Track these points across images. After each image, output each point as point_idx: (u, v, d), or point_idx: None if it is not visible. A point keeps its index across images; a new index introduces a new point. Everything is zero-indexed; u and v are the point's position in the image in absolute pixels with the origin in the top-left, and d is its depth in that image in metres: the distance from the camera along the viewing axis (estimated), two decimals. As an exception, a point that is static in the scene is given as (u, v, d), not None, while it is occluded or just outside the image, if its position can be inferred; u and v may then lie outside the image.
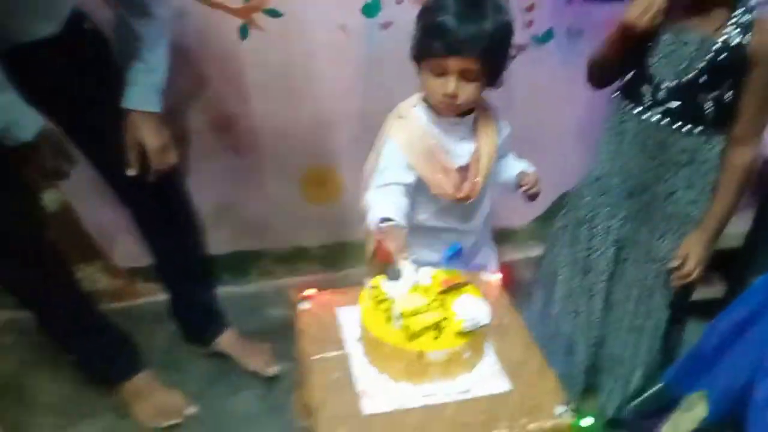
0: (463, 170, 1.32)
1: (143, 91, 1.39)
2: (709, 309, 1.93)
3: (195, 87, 1.78)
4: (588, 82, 1.50)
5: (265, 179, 1.99)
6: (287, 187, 2.02)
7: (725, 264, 1.95)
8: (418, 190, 1.31)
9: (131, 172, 1.42)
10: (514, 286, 1.30)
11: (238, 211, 2.03)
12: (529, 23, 1.92)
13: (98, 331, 1.63)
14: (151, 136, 1.40)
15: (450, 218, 1.37)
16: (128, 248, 1.96)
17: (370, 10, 1.76)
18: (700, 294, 2.02)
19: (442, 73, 1.21)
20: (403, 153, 1.28)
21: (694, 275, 1.39)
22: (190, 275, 1.79)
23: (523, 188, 1.36)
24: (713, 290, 2.00)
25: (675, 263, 1.41)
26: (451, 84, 1.20)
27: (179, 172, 1.63)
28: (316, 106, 1.88)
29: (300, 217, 2.09)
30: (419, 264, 1.11)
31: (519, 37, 1.94)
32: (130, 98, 1.38)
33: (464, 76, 1.20)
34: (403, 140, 1.29)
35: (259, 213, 2.05)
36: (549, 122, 2.08)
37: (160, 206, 1.61)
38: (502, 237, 2.33)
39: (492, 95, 1.79)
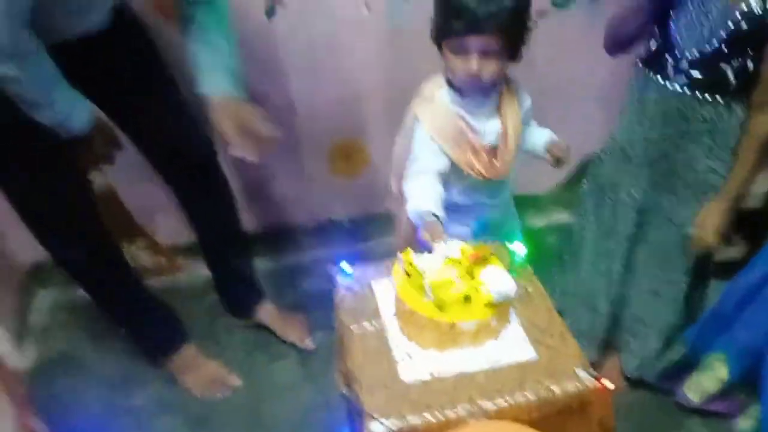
0: (492, 147, 1.35)
1: (215, 76, 1.40)
2: (730, 269, 1.96)
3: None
4: (605, 48, 1.48)
5: (293, 155, 2.04)
6: (315, 161, 2.07)
7: (746, 224, 1.98)
8: (449, 170, 1.35)
9: (234, 152, 1.40)
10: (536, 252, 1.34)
11: (269, 187, 2.09)
12: (551, -12, 1.92)
13: (146, 306, 1.72)
14: (227, 119, 1.39)
15: (479, 194, 1.41)
16: (168, 226, 2.05)
17: (394, -15, 1.78)
18: (721, 254, 2.06)
19: (463, 53, 1.23)
20: (434, 138, 1.31)
21: (712, 241, 1.41)
22: (231, 248, 1.86)
23: (556, 154, 1.38)
24: (734, 250, 2.01)
25: (694, 230, 1.43)
26: (473, 63, 1.21)
27: (217, 149, 1.70)
28: (342, 81, 1.92)
29: (329, 190, 2.15)
30: (449, 237, 1.16)
31: (539, 2, 1.95)
32: (204, 83, 1.40)
33: (485, 53, 1.21)
34: (432, 126, 1.32)
35: (290, 188, 2.11)
36: (571, 87, 2.08)
37: (202, 183, 1.69)
38: (526, 203, 2.35)
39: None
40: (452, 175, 1.36)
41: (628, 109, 1.49)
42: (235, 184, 1.86)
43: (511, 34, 1.22)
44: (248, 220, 2.04)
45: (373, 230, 2.21)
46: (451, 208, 1.37)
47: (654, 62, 1.39)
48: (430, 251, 1.13)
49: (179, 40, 1.50)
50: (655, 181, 1.48)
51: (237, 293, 1.93)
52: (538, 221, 2.36)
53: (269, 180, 2.08)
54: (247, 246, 1.95)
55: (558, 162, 1.40)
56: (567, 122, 2.20)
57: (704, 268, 1.54)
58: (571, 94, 2.08)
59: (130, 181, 1.88)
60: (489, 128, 1.33)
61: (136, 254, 2.05)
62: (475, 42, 1.20)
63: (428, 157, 1.31)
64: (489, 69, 1.23)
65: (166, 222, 2.03)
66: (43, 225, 1.46)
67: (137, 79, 1.48)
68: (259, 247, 2.14)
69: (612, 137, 1.55)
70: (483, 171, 1.33)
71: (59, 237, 1.48)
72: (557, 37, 1.97)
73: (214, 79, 1.40)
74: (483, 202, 1.42)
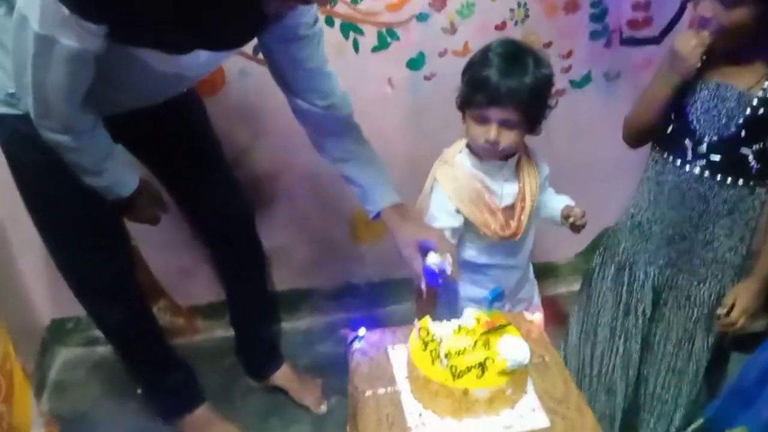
0: (509, 209, 1.41)
1: (383, 190, 1.40)
2: (750, 342, 1.93)
3: (253, 139, 1.92)
4: (625, 141, 1.51)
5: (316, 221, 2.09)
6: (337, 228, 2.12)
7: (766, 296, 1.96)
8: (466, 228, 1.41)
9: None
10: (556, 320, 1.35)
11: (291, 252, 2.14)
12: (568, 68, 2.00)
13: (169, 364, 1.74)
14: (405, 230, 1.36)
15: (496, 255, 1.46)
16: (189, 288, 2.10)
17: (415, 64, 1.88)
18: (760, 327, 2.01)
19: (484, 122, 1.30)
20: (451, 199, 1.37)
21: (739, 323, 1.38)
22: (260, 311, 1.90)
23: (571, 220, 1.41)
24: (756, 324, 1.98)
25: (722, 310, 1.40)
26: (492, 132, 1.29)
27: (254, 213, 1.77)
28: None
29: (349, 255, 2.18)
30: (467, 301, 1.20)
31: (557, 82, 2.03)
32: (376, 201, 1.40)
33: (505, 124, 1.29)
34: (450, 187, 1.39)
35: (311, 253, 2.16)
36: (589, 161, 2.13)
37: (240, 244, 1.74)
38: (545, 271, 2.38)
39: (533, 137, 1.87)
40: (469, 234, 1.42)
41: (645, 188, 1.48)
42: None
43: (530, 108, 1.30)
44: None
45: (392, 296, 2.24)
46: (468, 267, 1.40)
47: (672, 146, 1.39)
48: (436, 281, 1.17)
49: (221, 110, 1.60)
50: (672, 259, 1.46)
51: (258, 356, 1.94)
52: (557, 289, 2.37)
53: (291, 245, 2.12)
54: (275, 310, 1.97)
55: (574, 227, 1.43)
56: (584, 196, 2.25)
57: (725, 346, 1.52)
58: (587, 169, 2.13)
59: (154, 242, 1.94)
60: (506, 191, 1.40)
61: (157, 314, 2.08)
62: (495, 113, 1.28)
63: (444, 217, 1.38)
64: (507, 139, 1.31)
65: (187, 283, 2.08)
66: (85, 283, 1.51)
67: (186, 143, 1.53)
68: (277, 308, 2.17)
69: (628, 214, 1.54)
70: (498, 230, 1.38)
71: (99, 295, 1.52)
72: (574, 115, 2.04)
73: (384, 194, 1.40)
74: (500, 263, 1.46)
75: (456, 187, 1.39)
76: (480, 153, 1.38)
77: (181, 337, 2.13)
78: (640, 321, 1.53)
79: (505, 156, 1.38)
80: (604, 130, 1.99)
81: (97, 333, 1.80)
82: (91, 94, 1.13)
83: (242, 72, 1.77)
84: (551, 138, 2.10)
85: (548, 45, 1.92)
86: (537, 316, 1.25)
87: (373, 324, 1.30)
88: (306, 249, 2.14)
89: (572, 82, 2.02)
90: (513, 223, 1.40)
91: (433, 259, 1.28)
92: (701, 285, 1.45)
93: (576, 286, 2.30)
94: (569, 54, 1.97)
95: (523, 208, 1.41)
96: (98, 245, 1.44)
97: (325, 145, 1.44)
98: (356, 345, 1.26)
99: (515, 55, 1.30)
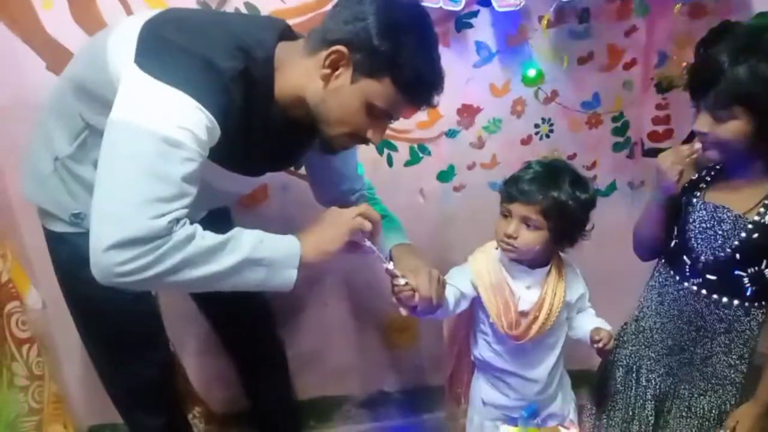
0: (524, 315, 1.42)
1: (396, 233, 1.47)
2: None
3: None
4: (636, 254, 1.55)
5: (350, 327, 2.12)
6: (370, 334, 2.14)
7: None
8: (479, 319, 1.47)
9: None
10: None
11: (324, 358, 2.15)
12: (593, 178, 2.06)
13: None
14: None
15: (513, 362, 1.47)
16: (222, 395, 2.11)
17: (445, 176, 1.97)
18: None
19: (507, 214, 1.38)
20: (474, 282, 1.43)
21: None
22: (282, 419, 1.90)
23: (596, 344, 1.41)
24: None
25: None
26: (512, 226, 1.36)
27: (276, 321, 1.80)
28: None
29: (381, 362, 2.19)
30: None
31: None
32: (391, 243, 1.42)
33: (526, 222, 1.35)
34: (477, 267, 1.45)
35: (344, 359, 2.17)
36: (619, 270, 2.14)
37: (263, 352, 1.78)
38: (581, 379, 2.33)
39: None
40: (487, 332, 1.47)
41: (649, 295, 1.50)
42: (291, 354, 1.94)
43: (557, 221, 1.35)
44: (301, 389, 2.08)
45: (425, 404, 2.21)
46: (488, 369, 1.44)
47: (673, 260, 1.42)
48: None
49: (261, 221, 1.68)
50: (673, 369, 1.45)
51: None
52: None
53: (324, 350, 2.14)
54: (297, 417, 1.97)
55: (601, 352, 1.43)
56: (611, 305, 2.26)
57: None
58: (616, 278, 2.13)
59: (190, 347, 1.98)
60: (527, 297, 1.42)
61: (192, 422, 2.09)
62: (517, 208, 1.35)
63: (458, 279, 1.43)
64: (525, 237, 1.35)
65: (221, 390, 2.10)
66: (122, 389, 1.55)
67: None
68: (309, 417, 2.17)
69: (634, 316, 1.56)
70: (506, 325, 1.40)
71: (136, 401, 1.56)
72: (600, 223, 2.08)
73: (396, 237, 1.46)
74: (516, 372, 1.47)
75: (482, 270, 1.44)
76: (501, 250, 1.42)
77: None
78: (644, 428, 1.50)
79: (532, 264, 1.42)
80: (630, 234, 2.03)
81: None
82: None
83: (283, 185, 1.88)
84: (581, 246, 2.16)
85: (572, 157, 2.00)
86: (574, 431, 1.25)
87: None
88: (339, 355, 2.16)
89: (598, 191, 2.07)
90: (522, 326, 1.42)
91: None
92: (701, 398, 1.43)
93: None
94: (593, 165, 2.05)
95: (536, 318, 1.42)
96: (139, 353, 1.48)
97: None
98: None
99: (554, 167, 1.39)
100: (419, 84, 1.15)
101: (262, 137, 1.18)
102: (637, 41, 1.89)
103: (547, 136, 1.98)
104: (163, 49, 1.04)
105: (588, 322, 1.49)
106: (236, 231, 1.10)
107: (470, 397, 1.61)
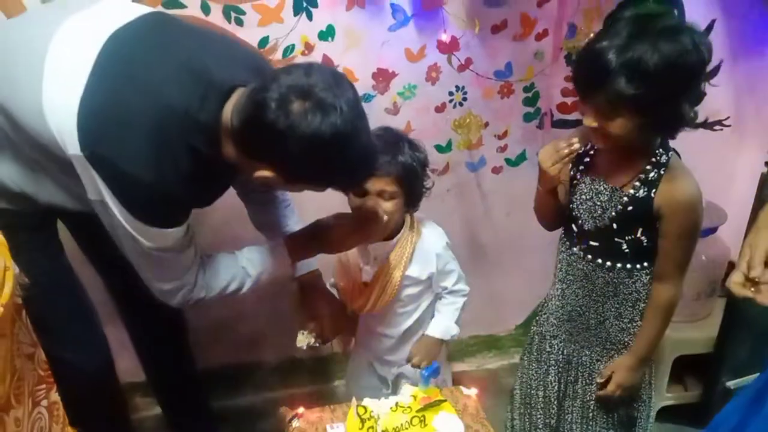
0: (368, 286, 1.56)
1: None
2: (686, 413, 1.99)
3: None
4: (540, 223, 1.60)
5: (262, 294, 2.08)
6: (282, 301, 2.11)
7: (698, 369, 2.04)
8: None
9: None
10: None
11: (236, 326, 2.12)
12: (504, 147, 2.10)
13: None
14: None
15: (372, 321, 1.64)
16: (126, 364, 2.03)
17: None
18: (678, 399, 2.09)
19: (362, 195, 1.45)
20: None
21: (616, 394, 1.44)
22: (181, 391, 1.86)
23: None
24: (689, 395, 2.07)
25: (598, 380, 1.47)
26: (370, 203, 1.44)
27: None
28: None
29: (293, 329, 2.17)
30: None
31: (494, 160, 2.13)
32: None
33: (381, 195, 1.44)
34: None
35: (254, 327, 2.14)
36: (527, 235, 2.20)
37: (156, 324, 1.72)
38: (487, 344, 2.41)
39: (473, 211, 1.94)
40: None
41: (556, 266, 1.56)
42: (199, 323, 1.90)
43: (408, 183, 1.45)
44: (211, 358, 2.04)
45: (336, 371, 2.23)
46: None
47: (566, 228, 1.50)
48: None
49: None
50: (574, 336, 1.52)
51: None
52: (500, 361, 2.41)
53: (233, 319, 2.11)
54: (200, 387, 1.94)
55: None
56: (520, 269, 2.31)
57: (632, 424, 1.55)
58: (523, 243, 2.21)
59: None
60: (371, 269, 1.55)
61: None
62: (373, 184, 1.43)
63: None
64: (385, 208, 1.44)
65: (124, 359, 2.01)
66: None
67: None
68: (218, 386, 2.13)
69: (549, 287, 1.61)
70: (349, 299, 1.56)
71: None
72: (510, 191, 2.14)
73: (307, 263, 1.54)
74: (379, 330, 1.64)
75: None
76: None
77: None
78: (553, 395, 1.57)
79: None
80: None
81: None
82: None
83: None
84: (490, 212, 2.21)
85: (485, 126, 2.03)
86: (473, 391, 1.28)
87: (315, 400, 1.30)
88: (249, 323, 2.13)
89: (508, 160, 2.12)
90: (361, 300, 1.56)
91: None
92: (598, 363, 1.50)
93: (517, 358, 2.36)
94: (504, 134, 2.08)
95: (373, 290, 1.54)
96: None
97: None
98: (295, 424, 1.25)
99: (389, 136, 1.47)
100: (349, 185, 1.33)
101: (220, 177, 1.30)
102: (549, 12, 1.92)
103: (461, 104, 1.98)
104: (117, 180, 1.09)
105: (434, 321, 1.61)
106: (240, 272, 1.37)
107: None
